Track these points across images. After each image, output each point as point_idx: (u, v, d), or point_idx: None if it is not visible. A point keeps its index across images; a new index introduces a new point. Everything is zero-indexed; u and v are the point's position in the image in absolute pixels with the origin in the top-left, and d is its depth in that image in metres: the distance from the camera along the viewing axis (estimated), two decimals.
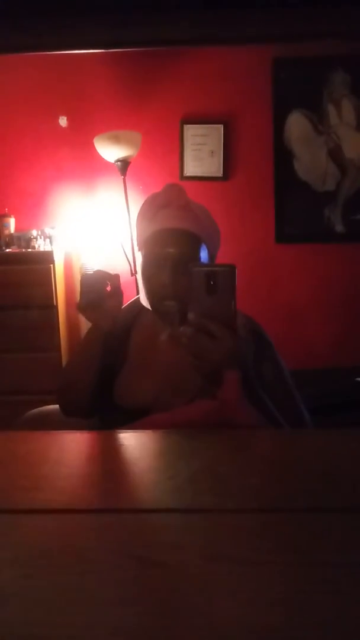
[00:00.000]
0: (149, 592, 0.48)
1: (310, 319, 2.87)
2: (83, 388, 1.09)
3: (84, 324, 2.71)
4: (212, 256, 1.11)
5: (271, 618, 0.44)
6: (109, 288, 1.03)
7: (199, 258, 1.06)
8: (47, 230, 2.70)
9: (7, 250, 2.67)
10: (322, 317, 2.86)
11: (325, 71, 2.74)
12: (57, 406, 1.29)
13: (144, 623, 0.44)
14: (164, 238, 1.06)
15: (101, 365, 1.08)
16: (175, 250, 1.05)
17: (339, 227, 2.83)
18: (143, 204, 1.11)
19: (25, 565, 0.52)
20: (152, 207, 1.09)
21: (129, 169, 2.60)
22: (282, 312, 2.78)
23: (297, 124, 2.79)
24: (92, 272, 1.04)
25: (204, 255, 1.08)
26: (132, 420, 1.00)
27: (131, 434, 0.89)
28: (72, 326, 2.71)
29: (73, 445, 0.86)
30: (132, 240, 2.65)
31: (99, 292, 1.02)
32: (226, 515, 0.61)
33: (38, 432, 1.01)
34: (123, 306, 1.08)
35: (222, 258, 1.17)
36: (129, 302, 1.19)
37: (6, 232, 2.74)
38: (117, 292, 1.04)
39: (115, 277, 1.03)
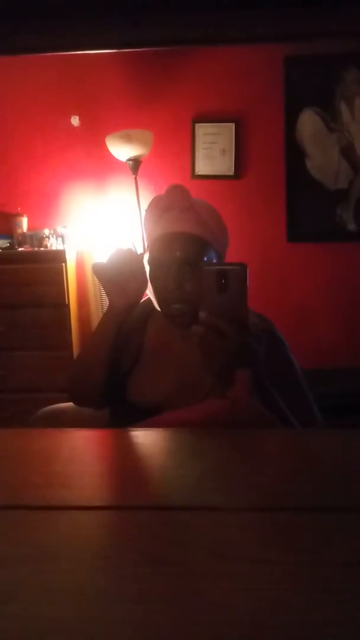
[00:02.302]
0: (158, 588, 0.49)
1: (321, 318, 2.86)
2: (94, 372, 1.07)
3: (96, 323, 2.72)
4: (220, 255, 1.11)
5: (279, 616, 0.45)
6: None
7: (203, 260, 1.06)
8: (59, 229, 2.72)
9: (20, 249, 2.69)
10: (334, 316, 2.85)
11: (337, 69, 2.73)
12: (69, 404, 1.30)
13: (154, 619, 0.45)
14: (168, 242, 1.06)
15: (114, 349, 1.06)
16: (179, 254, 1.05)
17: (351, 226, 2.82)
18: (148, 206, 1.11)
19: (36, 561, 0.53)
20: (157, 210, 1.09)
21: (140, 168, 2.61)
22: (293, 311, 2.77)
23: (309, 122, 2.78)
24: (125, 248, 1.01)
25: (209, 256, 1.07)
26: (144, 418, 1.00)
27: (142, 432, 0.90)
28: (84, 325, 2.73)
29: (85, 443, 0.87)
30: (143, 239, 2.66)
31: (121, 267, 0.99)
32: (235, 514, 0.61)
33: (50, 429, 1.02)
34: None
35: (232, 257, 1.17)
36: (143, 300, 1.19)
37: (19, 231, 2.76)
38: (141, 277, 1.01)
39: (141, 258, 1.01)
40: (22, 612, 0.46)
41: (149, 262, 1.10)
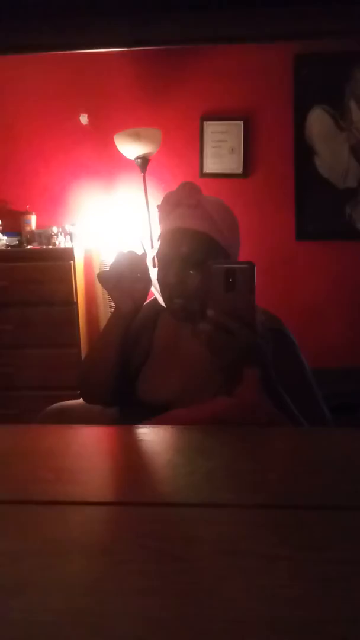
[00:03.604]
0: (166, 584, 0.49)
1: (330, 317, 2.85)
2: (103, 372, 1.09)
3: (104, 321, 2.73)
4: (228, 254, 1.11)
5: (286, 613, 0.45)
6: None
7: (208, 257, 1.05)
8: (68, 227, 2.72)
9: (29, 246, 2.70)
10: (342, 315, 2.84)
11: (347, 67, 2.71)
12: (77, 401, 1.31)
13: (161, 615, 0.45)
14: (173, 237, 1.07)
15: (122, 350, 1.07)
16: (183, 249, 1.06)
17: None
18: (161, 202, 1.13)
19: (44, 555, 0.54)
20: (167, 206, 1.10)
21: (148, 166, 2.61)
22: (301, 310, 2.76)
23: (318, 120, 2.77)
24: (127, 251, 1.02)
25: (215, 254, 1.06)
26: (152, 415, 1.01)
27: (151, 429, 0.90)
28: (92, 322, 2.74)
29: (94, 440, 0.87)
30: (151, 237, 2.66)
31: (124, 272, 1.00)
32: (243, 511, 0.61)
33: (59, 426, 1.03)
34: (146, 302, 1.08)
35: (241, 256, 1.17)
36: (152, 298, 1.20)
37: (27, 228, 2.77)
38: (145, 277, 1.02)
39: (143, 258, 1.02)
40: (31, 605, 0.46)
41: (157, 257, 1.11)
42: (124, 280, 1.00)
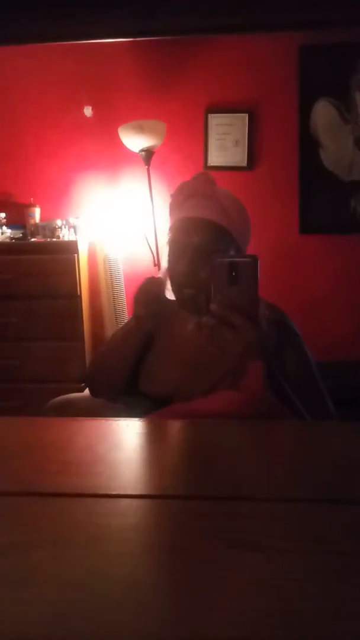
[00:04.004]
0: (173, 576, 0.49)
1: (334, 310, 2.84)
2: (116, 377, 1.15)
3: (107, 314, 2.73)
4: (239, 247, 1.11)
5: (290, 605, 0.45)
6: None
7: (221, 248, 1.06)
8: (72, 220, 2.72)
9: (33, 239, 2.70)
10: (346, 308, 2.84)
11: (352, 59, 2.69)
12: (80, 394, 1.32)
13: (168, 606, 0.45)
14: (187, 226, 1.07)
15: (136, 359, 1.15)
16: (196, 239, 1.05)
17: None
18: (174, 191, 1.13)
19: (52, 546, 0.54)
20: (181, 196, 1.11)
21: (153, 158, 2.61)
22: (305, 303, 2.76)
23: (323, 112, 2.75)
24: (152, 278, 1.16)
25: (227, 245, 1.07)
26: (155, 409, 1.01)
27: (154, 422, 0.90)
28: (96, 316, 2.74)
29: (98, 432, 0.87)
30: (155, 230, 2.66)
31: (153, 296, 1.13)
32: (247, 504, 0.61)
33: (64, 419, 1.03)
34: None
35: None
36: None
37: (31, 221, 2.77)
38: (163, 298, 1.15)
39: (162, 284, 1.14)
40: (37, 597, 0.47)
41: (169, 245, 1.11)
42: (153, 305, 1.12)
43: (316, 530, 0.56)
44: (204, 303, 1.03)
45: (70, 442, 0.83)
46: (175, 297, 1.11)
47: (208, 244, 1.05)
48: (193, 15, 1.02)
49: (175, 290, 1.10)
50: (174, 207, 1.12)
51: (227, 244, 1.07)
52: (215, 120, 2.78)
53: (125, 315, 2.74)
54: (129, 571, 0.50)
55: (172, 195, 1.13)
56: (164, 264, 1.16)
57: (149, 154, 2.58)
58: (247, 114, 2.76)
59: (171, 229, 1.11)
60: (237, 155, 2.79)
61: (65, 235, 2.66)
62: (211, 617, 0.44)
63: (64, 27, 1.02)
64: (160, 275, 1.17)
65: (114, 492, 0.64)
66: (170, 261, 1.10)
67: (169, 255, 1.11)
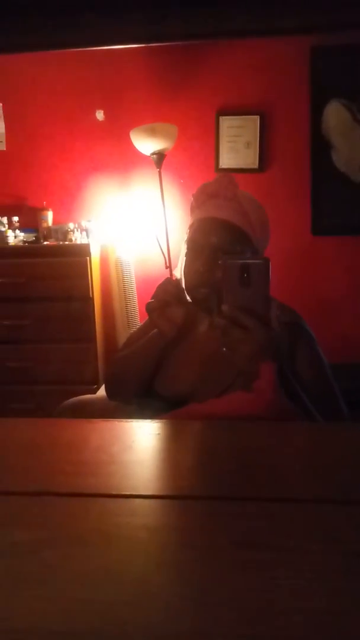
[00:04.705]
0: (184, 574, 0.50)
1: (346, 312, 2.83)
2: (135, 384, 1.16)
3: (119, 316, 2.75)
4: (257, 251, 1.11)
5: (301, 603, 0.45)
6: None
7: (237, 250, 1.06)
8: (84, 223, 2.74)
9: (45, 242, 2.72)
10: (359, 310, 2.82)
11: None
12: (92, 396, 1.33)
13: (180, 604, 0.46)
14: (206, 226, 1.08)
15: (157, 363, 1.14)
16: (214, 239, 1.06)
17: None
18: (195, 192, 1.14)
19: (65, 545, 0.55)
20: (202, 196, 1.12)
21: (164, 161, 2.61)
22: (317, 305, 2.74)
23: (335, 113, 2.74)
24: (167, 280, 1.10)
25: (245, 247, 1.08)
26: (169, 410, 1.02)
27: (167, 423, 0.91)
28: (108, 318, 2.76)
29: (112, 434, 0.88)
30: (166, 232, 2.67)
31: (168, 301, 1.07)
32: (259, 504, 0.62)
33: (78, 420, 1.04)
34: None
35: None
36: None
37: (44, 224, 2.79)
38: (183, 302, 1.09)
39: (180, 285, 1.09)
40: (56, 594, 0.47)
41: (186, 244, 1.12)
42: (168, 309, 1.07)
43: (328, 531, 0.56)
44: (216, 303, 1.03)
45: (84, 442, 0.84)
46: (190, 296, 1.12)
47: (226, 244, 1.06)
48: (203, 20, 1.02)
49: (189, 289, 1.11)
50: (195, 206, 1.13)
51: (244, 246, 1.07)
52: (227, 123, 2.78)
53: (137, 317, 2.76)
54: (140, 569, 0.51)
55: (193, 195, 1.14)
56: (180, 263, 1.16)
57: (160, 156, 2.59)
58: (258, 116, 2.75)
59: (190, 227, 1.12)
60: (248, 157, 2.79)
61: (78, 238, 2.68)
62: (222, 615, 0.44)
63: (76, 34, 1.04)
64: (175, 273, 1.17)
65: (127, 492, 0.65)
66: (186, 260, 1.11)
67: (186, 254, 1.11)
